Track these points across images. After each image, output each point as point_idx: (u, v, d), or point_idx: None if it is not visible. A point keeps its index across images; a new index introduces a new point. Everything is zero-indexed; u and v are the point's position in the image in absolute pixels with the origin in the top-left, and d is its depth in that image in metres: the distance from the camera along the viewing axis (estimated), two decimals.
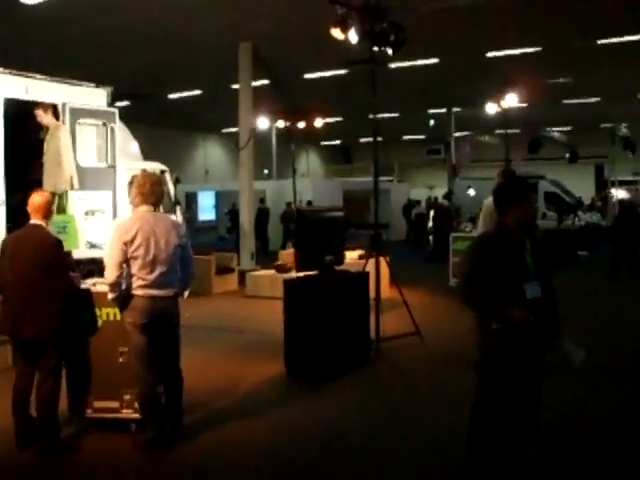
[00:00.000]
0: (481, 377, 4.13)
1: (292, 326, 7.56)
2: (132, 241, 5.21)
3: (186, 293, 5.91)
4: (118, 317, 5.52)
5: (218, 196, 33.83)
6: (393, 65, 19.13)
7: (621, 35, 17.83)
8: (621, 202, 24.37)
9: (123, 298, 5.30)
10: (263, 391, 7.12)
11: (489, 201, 9.36)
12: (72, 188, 8.70)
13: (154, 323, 5.29)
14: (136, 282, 5.27)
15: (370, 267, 9.17)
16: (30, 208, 5.40)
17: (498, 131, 34.44)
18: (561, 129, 32.18)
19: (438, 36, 17.29)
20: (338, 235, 8.28)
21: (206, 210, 35.05)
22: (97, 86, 10.09)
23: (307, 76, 22.61)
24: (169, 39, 17.60)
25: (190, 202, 31.50)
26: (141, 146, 11.97)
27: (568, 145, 30.70)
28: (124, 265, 5.28)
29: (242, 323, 10.88)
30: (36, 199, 5.42)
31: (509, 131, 27.06)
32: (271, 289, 13.36)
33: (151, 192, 5.45)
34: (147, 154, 12.22)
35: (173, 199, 13.53)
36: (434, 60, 20.80)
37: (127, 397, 5.59)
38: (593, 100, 27.82)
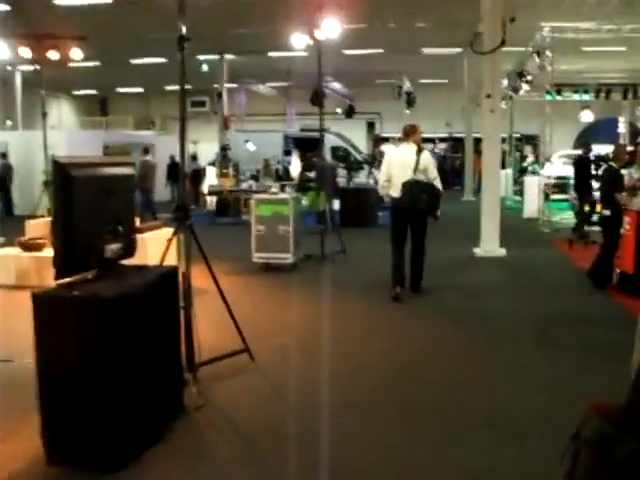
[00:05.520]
0: None
1: (50, 378, 4.21)
2: None
3: None
4: None
5: None
6: None
7: None
8: None
9: None
10: None
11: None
12: None
13: None
14: None
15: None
16: None
17: (273, 84, 32.14)
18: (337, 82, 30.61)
19: None
20: (126, 207, 5.00)
21: None
22: None
23: (58, 2, 18.41)
24: None
25: None
26: None
27: (348, 99, 29.18)
28: None
29: None
30: None
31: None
32: (16, 275, 10.15)
33: None
34: None
35: None
36: None
37: None
38: (376, 52, 26.15)
